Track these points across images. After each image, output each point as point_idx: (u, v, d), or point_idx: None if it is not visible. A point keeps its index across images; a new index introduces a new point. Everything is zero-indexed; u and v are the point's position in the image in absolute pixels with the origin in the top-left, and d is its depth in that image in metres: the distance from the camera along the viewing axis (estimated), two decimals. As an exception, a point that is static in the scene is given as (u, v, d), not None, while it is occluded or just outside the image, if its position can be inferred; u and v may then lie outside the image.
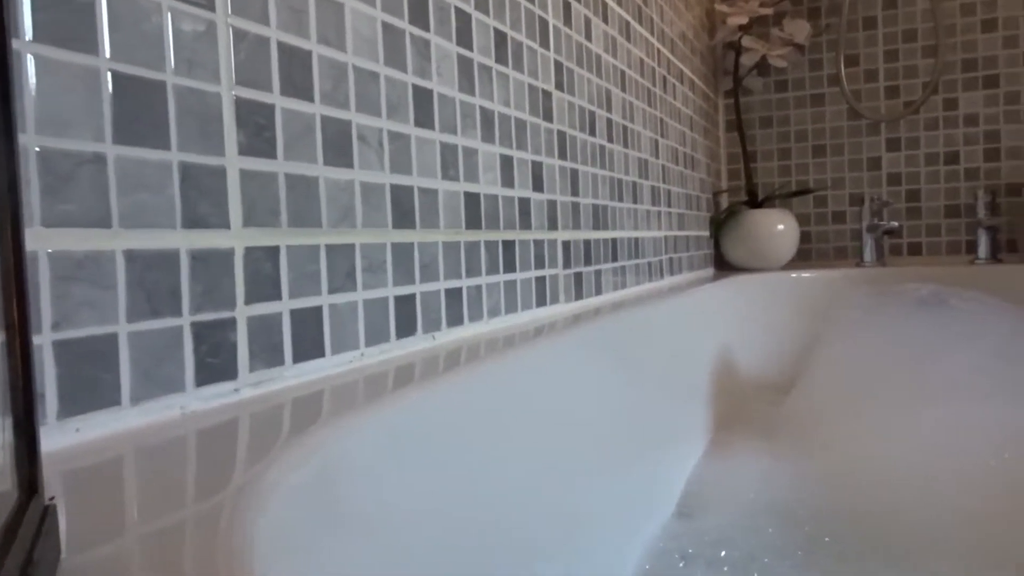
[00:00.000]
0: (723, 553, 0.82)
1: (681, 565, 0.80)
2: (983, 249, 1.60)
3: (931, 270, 1.62)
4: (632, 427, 0.95)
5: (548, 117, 0.82)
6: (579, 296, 0.91)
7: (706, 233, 1.65)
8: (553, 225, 0.83)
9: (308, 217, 0.47)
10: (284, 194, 0.45)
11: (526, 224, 0.77)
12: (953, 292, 1.27)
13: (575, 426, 0.77)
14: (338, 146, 0.50)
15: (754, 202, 1.73)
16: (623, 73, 1.09)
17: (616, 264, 1.04)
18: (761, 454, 1.11)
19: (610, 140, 1.02)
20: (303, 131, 0.47)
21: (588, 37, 0.95)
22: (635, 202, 1.13)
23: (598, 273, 0.97)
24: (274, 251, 0.45)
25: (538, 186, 0.80)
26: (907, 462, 0.96)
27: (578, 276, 0.90)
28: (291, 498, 0.34)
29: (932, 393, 1.07)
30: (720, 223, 1.71)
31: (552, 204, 0.83)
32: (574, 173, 0.90)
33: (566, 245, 0.87)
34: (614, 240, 1.04)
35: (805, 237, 1.82)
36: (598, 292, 0.97)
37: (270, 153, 0.44)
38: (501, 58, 0.72)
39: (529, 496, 0.63)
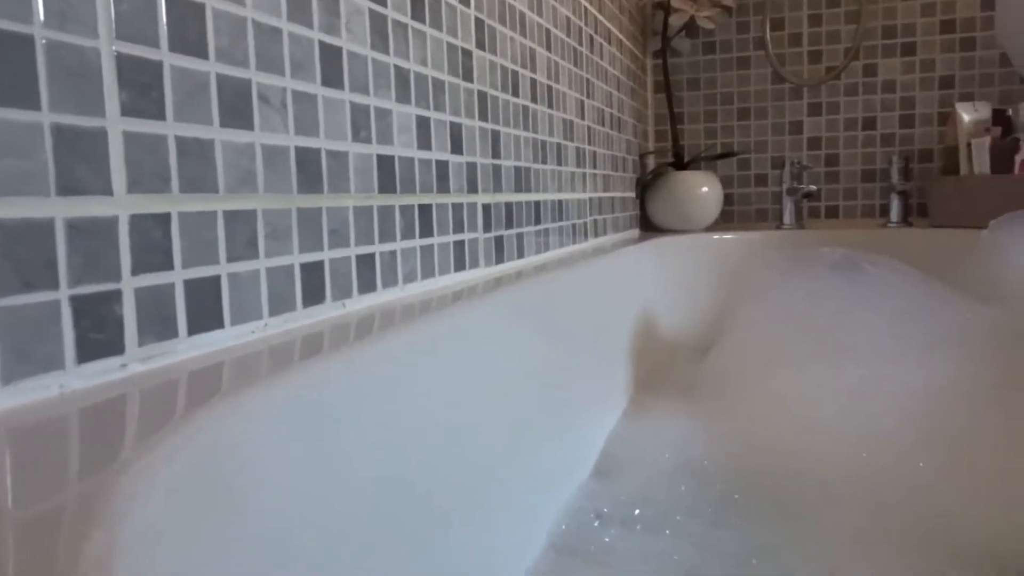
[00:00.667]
0: (637, 512, 0.84)
1: (596, 524, 0.81)
2: (895, 213, 1.65)
3: (846, 233, 1.67)
4: (552, 390, 0.96)
5: (468, 77, 0.80)
6: (500, 260, 0.90)
7: (632, 195, 1.66)
8: (473, 188, 0.82)
9: (203, 182, 0.45)
10: (175, 158, 0.43)
11: (444, 187, 0.75)
12: (864, 256, 1.31)
13: (494, 391, 0.77)
14: (236, 107, 0.47)
15: (680, 164, 1.74)
16: (548, 32, 1.07)
17: (539, 227, 1.04)
18: (678, 414, 1.13)
19: (534, 101, 1.01)
20: (196, 90, 0.44)
21: (511, -6, 0.93)
22: (559, 164, 1.13)
23: (520, 236, 0.96)
24: (165, 218, 0.42)
25: (457, 148, 0.78)
26: (816, 422, 0.99)
27: (499, 240, 0.89)
28: (176, 484, 0.33)
29: (842, 354, 1.10)
30: (646, 185, 1.72)
31: (472, 166, 0.82)
32: (495, 135, 0.88)
33: (486, 208, 0.86)
34: (537, 203, 1.03)
35: (728, 199, 1.85)
36: (520, 255, 0.97)
37: (158, 114, 0.42)
38: (418, 15, 0.70)
39: (444, 464, 0.63)
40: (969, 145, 1.54)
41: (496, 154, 0.88)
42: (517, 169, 0.95)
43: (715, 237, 1.68)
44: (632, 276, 1.40)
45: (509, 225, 0.93)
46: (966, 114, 1.55)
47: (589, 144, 1.29)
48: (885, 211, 1.71)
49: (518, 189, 0.96)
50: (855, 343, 1.11)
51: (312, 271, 0.55)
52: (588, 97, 1.29)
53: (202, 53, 0.45)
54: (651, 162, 1.82)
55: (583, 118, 1.25)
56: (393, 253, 0.66)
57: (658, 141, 1.89)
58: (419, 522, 0.58)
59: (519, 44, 0.95)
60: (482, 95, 0.84)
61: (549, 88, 1.08)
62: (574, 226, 1.21)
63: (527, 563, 0.73)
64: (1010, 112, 1.50)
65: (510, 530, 0.76)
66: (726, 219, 1.85)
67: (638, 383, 1.30)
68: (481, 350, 0.75)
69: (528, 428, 0.86)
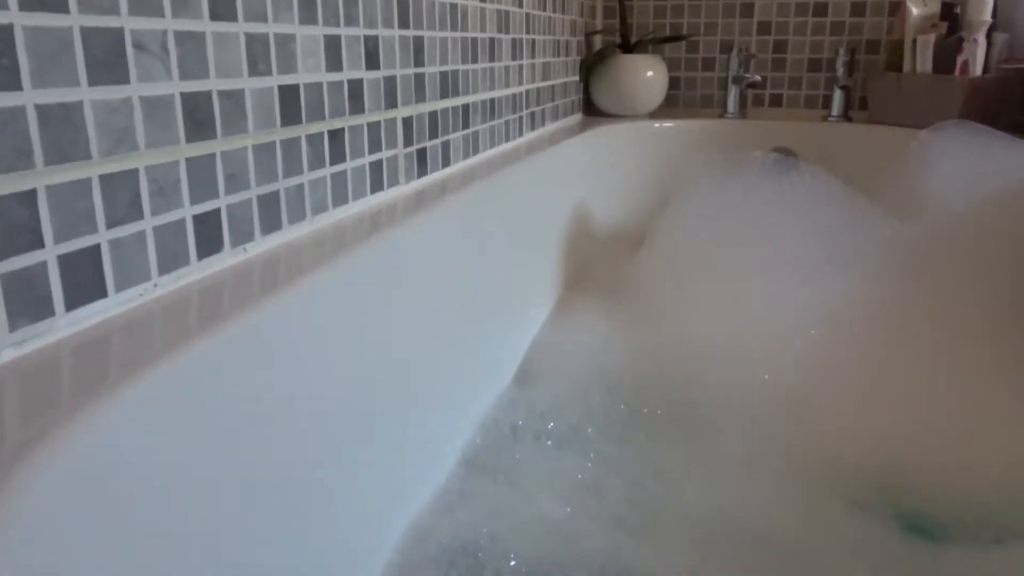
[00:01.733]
0: (550, 425, 0.88)
1: (509, 439, 0.85)
2: (836, 107, 1.64)
3: (786, 125, 1.66)
4: (477, 300, 0.97)
5: (386, -18, 0.75)
6: (423, 173, 0.88)
7: (575, 78, 1.61)
8: (392, 103, 0.79)
9: (72, 150, 0.42)
10: (36, 130, 0.40)
11: (358, 108, 0.72)
12: (794, 164, 1.31)
13: (412, 315, 0.77)
14: (107, 61, 0.44)
15: (626, 46, 1.69)
16: (482, -84, 1.00)
17: (467, 131, 1.01)
18: (600, 319, 1.16)
19: (463, -4, 0.95)
20: (57, 50, 0.41)
21: None
22: (492, 60, 1.08)
23: (446, 144, 0.94)
24: (29, 196, 0.40)
25: (373, 64, 0.74)
26: (727, 338, 1.02)
27: (421, 152, 0.87)
28: (54, 491, 0.33)
29: (760, 267, 1.13)
30: (590, 67, 1.67)
31: (390, 81, 0.78)
32: (418, 41, 0.84)
33: (407, 122, 0.83)
34: (466, 106, 0.99)
35: (674, 83, 1.81)
36: (445, 164, 0.95)
37: (12, 84, 0.38)
38: (324, -79, 0.64)
39: (358, 398, 0.64)
40: (915, 41, 1.51)
41: (419, 62, 0.84)
42: (443, 75, 0.91)
43: (656, 126, 1.66)
44: (567, 171, 1.38)
45: (433, 135, 0.90)
46: (915, 7, 1.52)
47: (528, 33, 1.24)
48: (828, 102, 1.70)
49: (444, 95, 0.92)
50: (772, 257, 1.13)
51: (207, 221, 0.53)
52: (527, -19, 1.22)
53: (61, 6, 0.41)
54: (597, 42, 1.75)
55: (521, 5, 1.19)
56: (300, 187, 0.64)
57: (607, 18, 1.82)
58: (323, 462, 0.60)
59: (447, -65, 0.89)
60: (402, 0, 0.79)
61: (482, -21, 1.02)
62: (507, 123, 1.18)
63: (439, 480, 0.77)
64: (957, 9, 1.48)
65: (424, 447, 0.79)
66: (671, 103, 1.82)
67: (568, 281, 1.32)
68: (397, 276, 0.75)
69: (451, 344, 0.88)
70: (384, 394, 0.71)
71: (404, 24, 0.80)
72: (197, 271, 0.53)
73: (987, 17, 1.43)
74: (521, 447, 0.83)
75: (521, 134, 1.25)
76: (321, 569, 0.57)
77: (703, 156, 1.59)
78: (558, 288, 1.29)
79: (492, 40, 1.07)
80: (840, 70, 1.62)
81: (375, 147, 0.76)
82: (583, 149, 1.47)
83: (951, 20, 1.47)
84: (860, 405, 0.88)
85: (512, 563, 0.64)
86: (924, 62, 1.50)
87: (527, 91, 1.26)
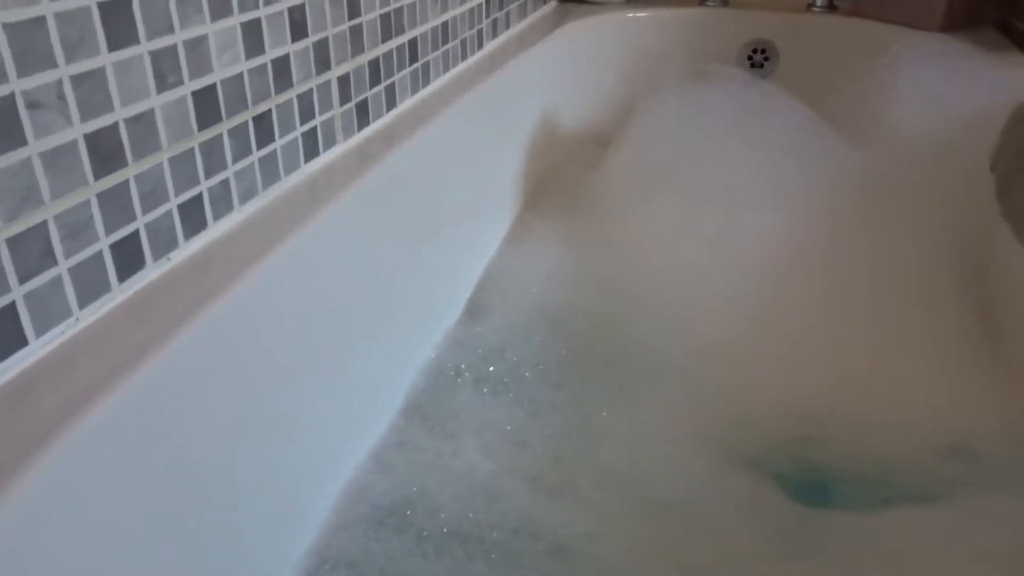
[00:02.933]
0: (491, 369, 0.93)
1: (451, 384, 0.91)
2: (820, -3, 1.58)
3: (768, 15, 1.61)
4: (430, 239, 0.99)
5: (310, -57, 0.72)
6: (364, 125, 0.88)
7: (547, -34, 1.54)
8: (324, 67, 0.78)
9: (-27, 226, 0.44)
10: (-67, 221, 0.42)
11: (285, 84, 0.72)
12: (760, 85, 1.29)
13: (355, 280, 0.80)
14: (1, 128, 0.45)
15: (602, -74, 1.59)
16: None
17: (416, 65, 0.99)
18: (554, 244, 1.18)
19: (406, -75, 0.91)
20: (-57, 138, 0.42)
21: None
22: (444, -19, 1.04)
23: (390, 87, 0.93)
24: (-65, 280, 0.43)
25: (300, 34, 0.73)
26: (672, 272, 1.06)
27: (362, 105, 0.87)
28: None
29: (714, 194, 1.14)
30: (564, -49, 1.58)
31: (321, 44, 0.77)
32: (352, -8, 0.81)
33: (343, 79, 0.82)
34: (413, 40, 0.97)
35: (656, -38, 1.72)
36: (391, 107, 0.94)
37: (-99, 186, 0.40)
38: (233, -99, 0.61)
39: (306, 370, 0.69)
40: (906, -70, 1.43)
41: (354, 13, 0.82)
42: (384, 16, 0.89)
43: (629, 16, 1.60)
44: (532, 78, 1.35)
45: (375, 82, 0.89)
46: None
47: (487, -63, 1.18)
48: (814, -12, 1.62)
49: (386, 38, 0.90)
50: (728, 183, 1.15)
51: (124, 245, 0.56)
52: None
53: (-58, 93, 0.42)
54: (574, -81, 1.65)
55: (478, -89, 1.13)
56: (225, 181, 0.66)
57: None
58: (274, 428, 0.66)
59: None
60: (332, -47, 0.76)
61: None
62: (464, 41, 1.15)
63: (380, 431, 0.83)
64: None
65: (369, 398, 0.84)
66: (651, -14, 1.74)
67: (530, 195, 1.33)
68: (340, 243, 0.78)
69: (402, 288, 0.92)
70: (329, 355, 0.76)
71: (335, -21, 0.77)
72: (120, 293, 0.56)
73: (982, -93, 1.34)
74: (461, 393, 0.89)
75: (481, 46, 1.22)
76: (255, 535, 0.65)
77: (678, 52, 1.55)
78: (519, 203, 1.30)
79: (443, -40, 1.03)
80: (825, -42, 1.54)
81: (307, 116, 0.76)
82: (550, 50, 1.43)
83: (944, -90, 1.38)
84: (787, 352, 0.93)
85: (437, 522, 0.72)
86: (913, -46, 1.42)
87: (486, 0, 1.22)
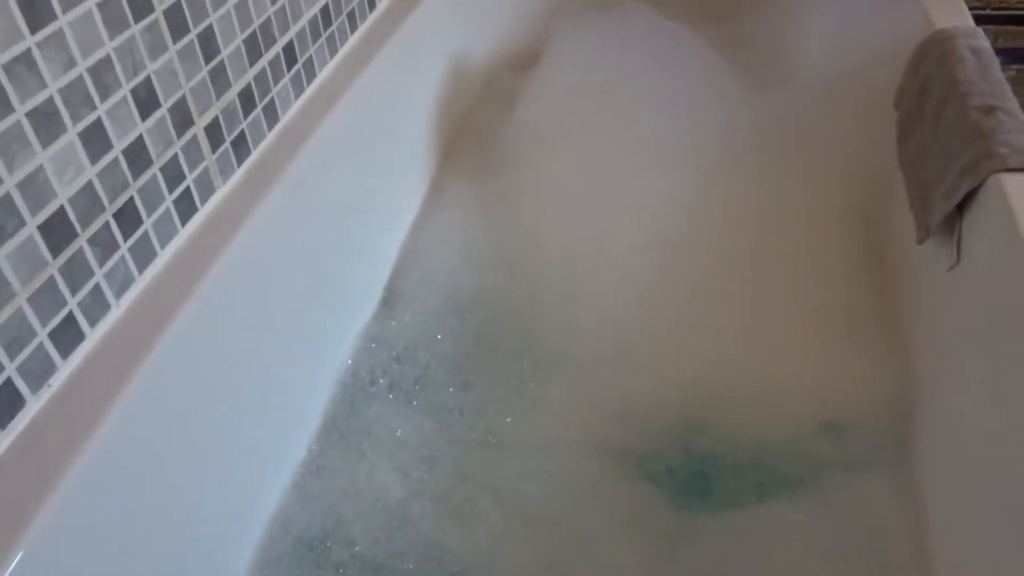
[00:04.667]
0: (404, 371, 0.98)
1: (366, 391, 0.96)
2: None
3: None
4: (339, 234, 1.00)
5: (142, 14, 0.69)
6: (245, 157, 0.87)
7: None
8: (185, 124, 0.76)
9: None
10: None
11: (143, 165, 0.71)
12: (667, 26, 1.23)
13: (264, 307, 0.83)
14: None
15: None
16: None
17: (296, 67, 0.96)
18: (467, 210, 1.19)
19: (259, -71, 0.85)
20: None
21: None
22: (317, -37, 0.98)
23: (269, 105, 0.91)
24: None
25: (149, 108, 0.71)
26: (576, 245, 1.08)
27: (238, 139, 0.85)
28: None
29: (618, 152, 1.14)
30: None
31: (178, 105, 0.75)
32: (205, 34, 0.78)
33: (212, 126, 0.80)
34: (289, 44, 0.93)
35: None
36: (273, 125, 0.92)
37: None
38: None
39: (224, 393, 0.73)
40: None
41: (211, 54, 0.79)
42: (248, 39, 0.85)
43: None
44: (437, 20, 1.30)
45: (250, 109, 0.87)
46: None
47: None
48: None
49: (255, 58, 0.87)
50: (633, 139, 1.14)
51: (-2, 397, 0.58)
52: None
53: None
54: None
55: None
56: (95, 288, 0.67)
57: None
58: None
59: None
60: (174, 7, 0.72)
61: None
62: (353, 11, 1.09)
63: (299, 453, 0.89)
64: None
65: (288, 417, 0.90)
66: None
67: (444, 150, 1.31)
68: (243, 280, 0.80)
69: (317, 293, 0.94)
70: (248, 394, 0.80)
71: (179, 30, 0.74)
72: (5, 437, 0.59)
73: None
74: (375, 404, 0.94)
75: (374, 8, 1.17)
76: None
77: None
78: (435, 162, 1.29)
79: (312, -58, 0.96)
80: None
81: (176, 182, 0.76)
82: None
83: None
84: (678, 335, 0.97)
85: (353, 555, 0.79)
86: None
87: (374, -45, 1.15)
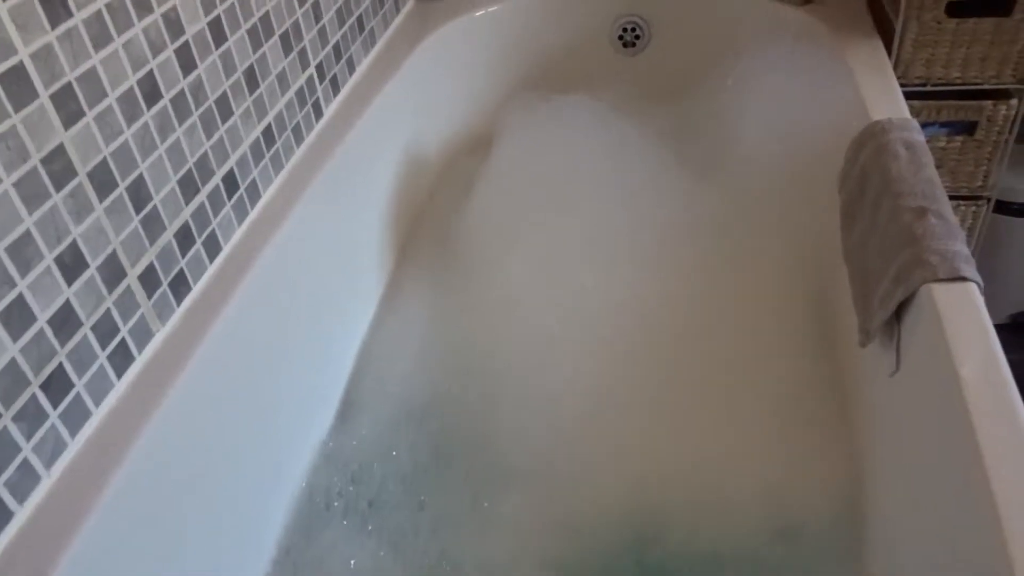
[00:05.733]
0: (359, 492, 0.97)
1: (320, 517, 0.95)
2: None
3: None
4: (296, 345, 1.00)
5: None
6: (185, 293, 0.87)
7: (393, -26, 1.45)
8: (117, 278, 0.76)
9: None
10: None
11: (71, 329, 0.71)
12: (611, 110, 1.25)
13: (223, 422, 0.83)
14: None
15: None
16: (192, -46, 0.86)
17: (239, 192, 0.97)
18: (423, 310, 1.19)
19: (189, 71, 0.86)
20: None
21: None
22: (257, 84, 0.99)
23: (210, 237, 0.91)
24: None
25: (75, 272, 0.71)
26: (531, 346, 1.08)
27: (177, 278, 0.85)
28: None
29: (568, 248, 1.15)
30: (411, -49, 1.49)
31: (107, 262, 0.75)
32: (136, 184, 0.78)
33: (146, 272, 0.80)
34: (229, 172, 0.94)
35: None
36: (215, 255, 0.92)
37: None
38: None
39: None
40: (760, -103, 1.35)
41: (141, 204, 0.80)
42: (183, 179, 0.86)
43: (492, 9, 1.52)
44: (393, 113, 1.31)
45: (188, 245, 0.87)
46: None
47: (301, 6, 1.11)
48: (682, -51, 1.54)
49: (191, 195, 0.87)
50: (581, 234, 1.15)
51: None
52: (290, -54, 1.06)
53: None
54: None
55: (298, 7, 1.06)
56: (23, 463, 0.66)
57: None
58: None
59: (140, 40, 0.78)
60: (99, 166, 0.73)
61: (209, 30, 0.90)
62: (299, 124, 1.11)
63: (253, 589, 0.88)
64: None
65: (241, 551, 0.89)
66: (515, -42, 1.64)
67: (400, 246, 1.32)
68: (187, 424, 0.80)
69: (271, 412, 0.94)
70: (201, 531, 0.79)
71: (106, 187, 0.75)
72: (-74, 636, 0.59)
73: None
74: (329, 530, 0.93)
75: (320, 115, 1.18)
76: None
77: (549, 38, 1.50)
78: (393, 258, 1.29)
79: (250, 69, 0.98)
80: (686, -76, 1.46)
81: (108, 338, 0.76)
82: (411, 75, 1.37)
83: None
84: (630, 438, 0.97)
85: None
86: (770, -77, 1.35)
87: (317, 67, 1.16)
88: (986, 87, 1.22)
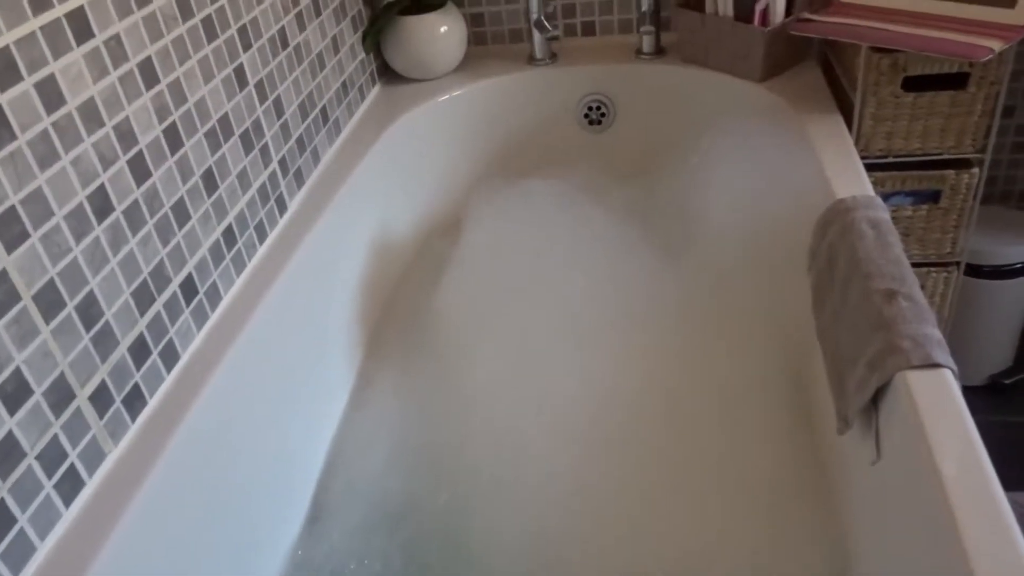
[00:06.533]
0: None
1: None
2: (645, 45, 1.53)
3: (598, 69, 1.56)
4: (263, 454, 0.97)
5: None
6: (140, 409, 0.84)
7: (360, 58, 1.46)
8: (65, 401, 0.73)
9: None
10: None
11: (15, 459, 0.67)
12: (579, 190, 1.25)
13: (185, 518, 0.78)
14: None
15: (415, 1, 1.51)
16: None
17: (198, 297, 0.94)
18: (393, 405, 1.16)
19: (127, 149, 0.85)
20: None
21: None
22: (215, 189, 0.98)
23: (168, 347, 0.88)
24: None
25: (18, 401, 0.68)
26: (504, 443, 1.05)
27: (131, 394, 0.82)
28: None
29: (538, 335, 1.13)
30: (375, 39, 1.50)
31: (55, 385, 0.72)
32: (87, 302, 0.76)
33: (98, 392, 0.78)
34: (188, 276, 0.92)
35: (478, 19, 1.64)
36: (173, 365, 0.89)
37: None
38: None
39: None
40: (714, -21, 1.38)
41: (91, 321, 0.77)
42: (137, 290, 0.83)
43: (457, 93, 1.53)
44: (359, 201, 1.30)
45: (143, 358, 0.84)
46: (713, -62, 1.36)
47: (262, 103, 1.11)
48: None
49: (145, 307, 0.85)
50: (551, 321, 1.13)
51: None
52: (244, 49, 1.06)
53: None
54: (381, -4, 1.55)
55: (239, 90, 1.06)
56: (-41, 610, 0.62)
57: (390, -46, 1.60)
58: None
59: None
60: (46, 286, 0.71)
61: (174, 128, 0.89)
62: (262, 220, 1.09)
63: None
64: (754, -54, 1.33)
65: None
66: (479, 41, 1.67)
67: (370, 337, 1.29)
68: (149, 553, 0.75)
69: (237, 525, 0.89)
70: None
71: (53, 308, 0.72)
72: None
73: (785, -48, 1.29)
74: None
75: (286, 208, 1.16)
76: None
77: (515, 119, 1.50)
78: (362, 351, 1.27)
79: (209, 173, 0.96)
80: (644, 5, 1.49)
81: (56, 464, 0.72)
82: (377, 163, 1.37)
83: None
84: (607, 539, 0.93)
85: None
86: (725, 4, 1.38)
87: (281, 160, 1.15)
88: (947, 157, 1.23)
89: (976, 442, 0.71)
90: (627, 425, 1.02)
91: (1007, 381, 1.55)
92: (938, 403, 0.75)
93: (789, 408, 1.02)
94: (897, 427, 0.78)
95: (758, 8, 1.33)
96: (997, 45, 1.04)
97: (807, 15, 1.27)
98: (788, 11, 1.35)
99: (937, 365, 0.77)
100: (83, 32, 0.77)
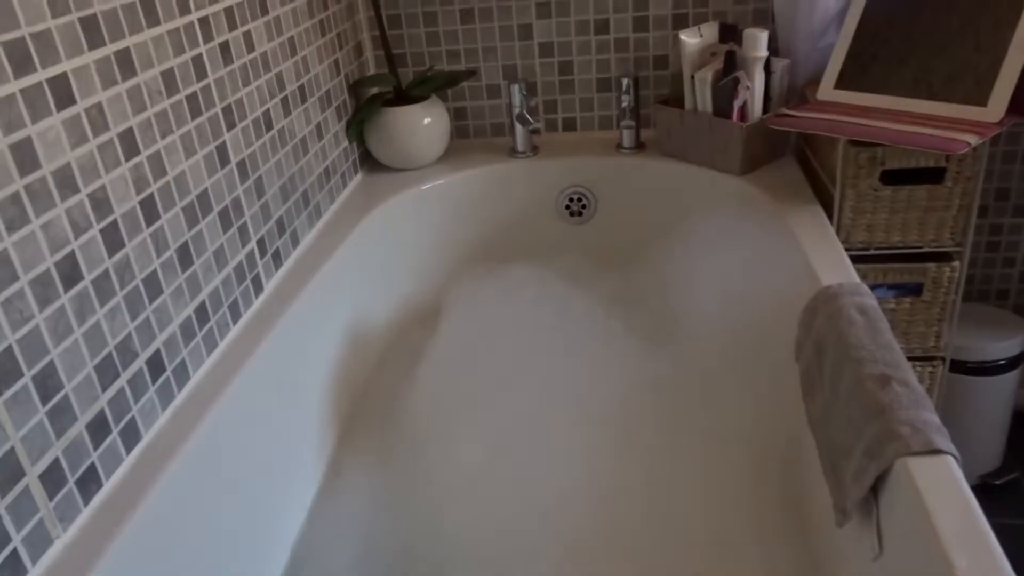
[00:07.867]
0: None
1: None
2: (626, 139, 1.55)
3: (579, 161, 1.58)
4: (224, 550, 0.90)
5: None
6: (94, 493, 0.78)
7: (344, 146, 1.47)
8: (12, 480, 0.67)
9: None
10: None
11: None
12: (559, 279, 1.24)
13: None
14: None
15: (401, 95, 1.53)
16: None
17: (166, 374, 0.90)
18: (363, 502, 1.09)
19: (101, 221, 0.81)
20: None
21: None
22: (184, 269, 0.95)
23: (129, 426, 0.83)
24: None
25: (-38, 477, 0.62)
26: (478, 548, 0.99)
27: (86, 475, 0.76)
28: None
29: (517, 429, 1.08)
30: (359, 129, 1.51)
31: (3, 462, 0.66)
32: (42, 379, 0.71)
33: (50, 470, 0.72)
34: (154, 355, 0.88)
35: (461, 113, 1.67)
36: (133, 446, 0.84)
37: None
38: None
39: None
40: (693, 78, 1.42)
41: (49, 394, 0.72)
42: (100, 364, 0.79)
43: (440, 182, 1.53)
44: (335, 288, 1.27)
45: (102, 436, 0.79)
46: (689, 39, 1.41)
47: (243, 182, 1.09)
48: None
49: (109, 382, 0.80)
50: (530, 414, 1.09)
51: None
52: (239, 119, 1.06)
53: None
54: (368, 89, 1.58)
55: (220, 167, 1.04)
56: None
57: (376, 48, 1.64)
58: None
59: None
60: (3, 354, 0.66)
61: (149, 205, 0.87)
62: (236, 300, 1.06)
63: None
64: (733, 45, 1.38)
65: None
66: (462, 134, 1.69)
67: (342, 427, 1.24)
68: None
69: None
70: None
71: (8, 378, 0.67)
72: None
73: (761, 52, 1.34)
74: None
75: (256, 296, 1.13)
76: None
77: (496, 210, 1.50)
78: (333, 441, 1.21)
79: (182, 249, 0.94)
80: (624, 102, 1.52)
81: (-4, 550, 0.66)
82: (355, 251, 1.35)
83: (727, 59, 1.37)
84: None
85: None
86: (704, 101, 1.41)
87: (259, 241, 1.13)
88: (927, 250, 1.24)
89: (987, 533, 0.67)
90: (611, 522, 0.96)
91: (997, 482, 1.52)
92: (943, 491, 0.71)
93: (781, 504, 0.98)
94: (900, 517, 0.75)
95: (736, 105, 1.36)
96: (973, 139, 1.06)
97: (785, 111, 1.30)
98: (765, 108, 1.38)
99: (939, 451, 0.74)
100: (64, 98, 0.75)
